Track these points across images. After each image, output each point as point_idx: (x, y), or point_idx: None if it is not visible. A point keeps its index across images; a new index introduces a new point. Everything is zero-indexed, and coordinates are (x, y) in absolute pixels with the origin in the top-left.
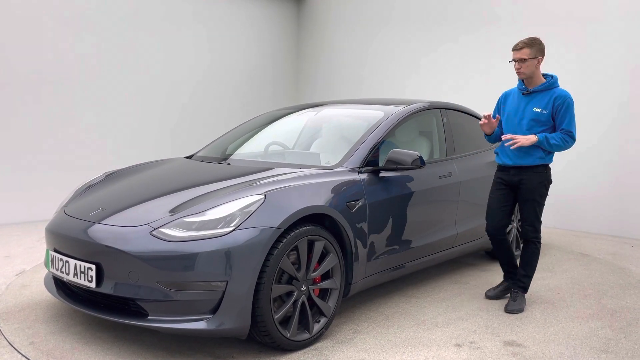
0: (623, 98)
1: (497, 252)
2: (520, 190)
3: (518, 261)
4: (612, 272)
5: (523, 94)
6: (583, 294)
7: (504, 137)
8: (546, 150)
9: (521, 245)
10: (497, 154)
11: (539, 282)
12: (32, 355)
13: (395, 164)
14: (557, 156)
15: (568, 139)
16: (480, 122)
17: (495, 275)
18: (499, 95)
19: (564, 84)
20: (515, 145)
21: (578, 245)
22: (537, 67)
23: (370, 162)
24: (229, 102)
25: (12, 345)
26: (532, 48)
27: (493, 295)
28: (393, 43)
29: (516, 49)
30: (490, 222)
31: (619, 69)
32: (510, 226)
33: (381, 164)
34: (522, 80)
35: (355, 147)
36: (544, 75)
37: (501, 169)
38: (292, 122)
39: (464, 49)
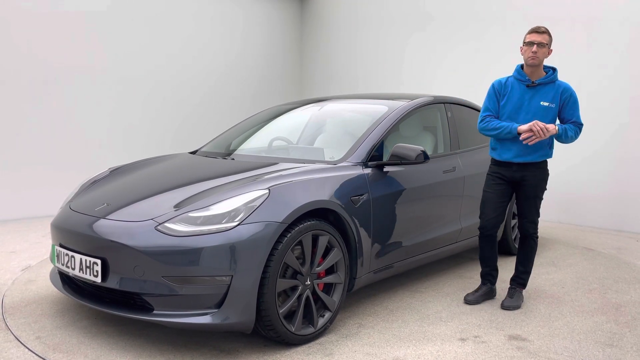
0: (629, 94)
1: (486, 251)
2: (523, 187)
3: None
4: (616, 266)
5: (527, 86)
6: (588, 289)
7: (523, 135)
8: (563, 142)
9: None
10: (494, 149)
11: (543, 276)
12: (39, 349)
13: (399, 159)
14: (564, 151)
15: (579, 131)
16: (524, 137)
17: (499, 269)
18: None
19: (569, 82)
20: (534, 141)
21: (583, 240)
22: (546, 58)
23: (374, 157)
24: (233, 99)
25: (18, 340)
26: (550, 36)
27: (473, 300)
28: (394, 41)
29: (539, 31)
30: (487, 217)
31: (623, 66)
32: (514, 222)
33: (385, 158)
34: (522, 71)
35: (359, 142)
36: (544, 67)
37: (500, 164)
38: (296, 117)
39: (466, 46)
